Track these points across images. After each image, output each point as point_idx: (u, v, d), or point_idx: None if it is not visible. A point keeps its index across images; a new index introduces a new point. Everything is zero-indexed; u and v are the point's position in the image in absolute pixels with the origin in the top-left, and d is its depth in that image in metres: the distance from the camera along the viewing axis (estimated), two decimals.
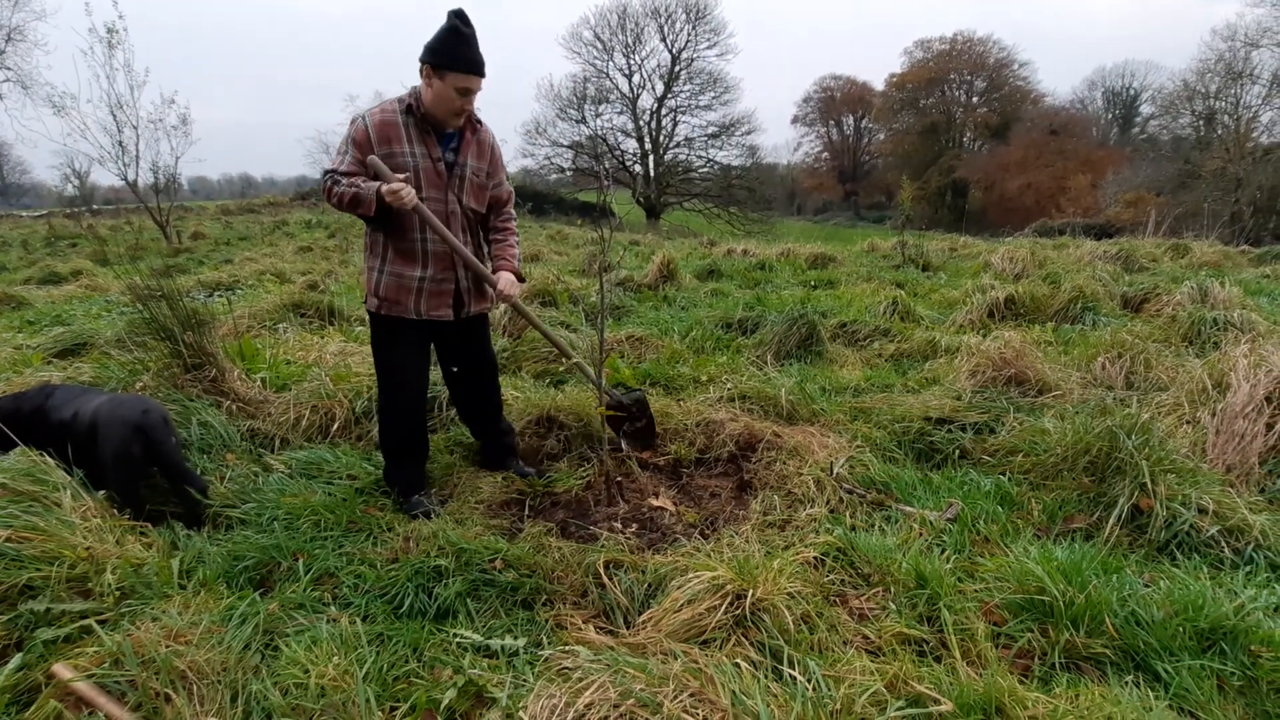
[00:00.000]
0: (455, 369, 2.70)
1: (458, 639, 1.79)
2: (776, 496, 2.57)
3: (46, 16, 17.62)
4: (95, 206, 29.55)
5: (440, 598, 1.93)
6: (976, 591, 1.99)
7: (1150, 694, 1.59)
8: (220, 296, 6.62)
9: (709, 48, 36.24)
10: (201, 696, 1.49)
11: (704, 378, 3.93)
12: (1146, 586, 1.98)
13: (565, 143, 36.75)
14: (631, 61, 36.77)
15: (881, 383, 3.85)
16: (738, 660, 1.59)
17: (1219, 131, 28.10)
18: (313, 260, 11.71)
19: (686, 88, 36.89)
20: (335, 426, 3.09)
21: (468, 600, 1.95)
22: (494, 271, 2.52)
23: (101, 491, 2.24)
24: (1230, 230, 17.79)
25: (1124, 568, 2.06)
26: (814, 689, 1.53)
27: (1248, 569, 2.09)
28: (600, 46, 36.73)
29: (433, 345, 2.65)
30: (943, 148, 46.68)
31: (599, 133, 36.91)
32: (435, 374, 2.92)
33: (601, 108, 37.28)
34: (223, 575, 2.01)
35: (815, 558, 2.11)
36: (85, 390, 2.57)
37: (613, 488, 2.65)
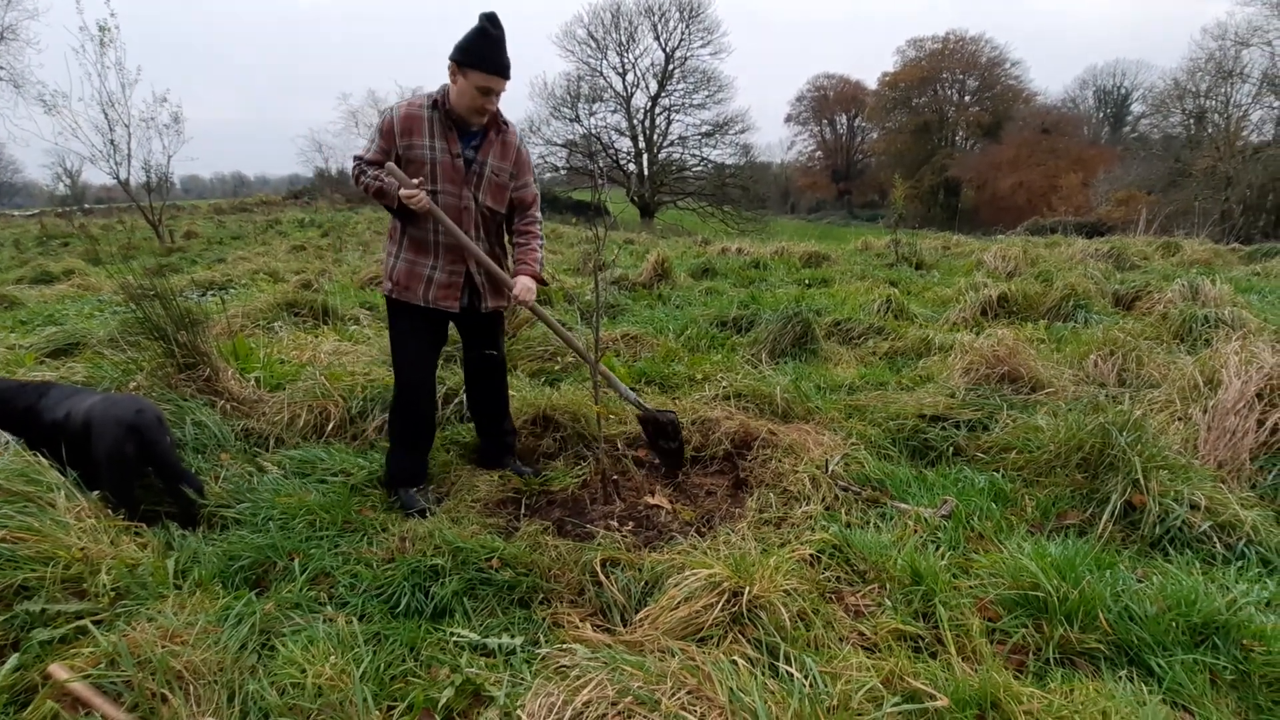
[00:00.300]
0: (490, 352, 2.76)
1: (455, 638, 1.79)
2: (772, 494, 2.58)
3: (39, 15, 17.48)
4: (87, 206, 29.31)
5: (437, 597, 1.93)
6: (971, 588, 2.01)
7: (1144, 688, 1.61)
8: (213, 296, 6.58)
9: (702, 46, 36.23)
10: (198, 697, 1.48)
11: (699, 376, 3.93)
12: (1140, 582, 2.00)
13: (559, 141, 36.73)
14: (625, 60, 36.73)
15: (876, 380, 3.87)
16: (735, 657, 1.59)
17: (1209, 130, 28.30)
18: (306, 259, 11.66)
19: (680, 86, 36.87)
20: (330, 426, 3.08)
21: (464, 599, 1.95)
22: (515, 275, 2.56)
23: (96, 492, 2.22)
24: (1220, 228, 17.92)
25: (1117, 563, 2.08)
26: (811, 685, 1.54)
27: (1239, 564, 2.11)
28: (594, 45, 36.68)
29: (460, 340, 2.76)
30: (935, 146, 46.84)
31: (593, 131, 36.89)
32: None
33: (595, 106, 37.24)
34: (218, 575, 2.01)
35: (811, 555, 2.12)
36: (78, 390, 2.55)
37: (609, 486, 2.66)
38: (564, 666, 1.56)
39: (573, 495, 2.68)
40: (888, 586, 2.02)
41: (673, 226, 28.60)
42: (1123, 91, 45.16)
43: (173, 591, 1.88)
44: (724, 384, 3.58)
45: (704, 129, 36.88)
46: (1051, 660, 1.74)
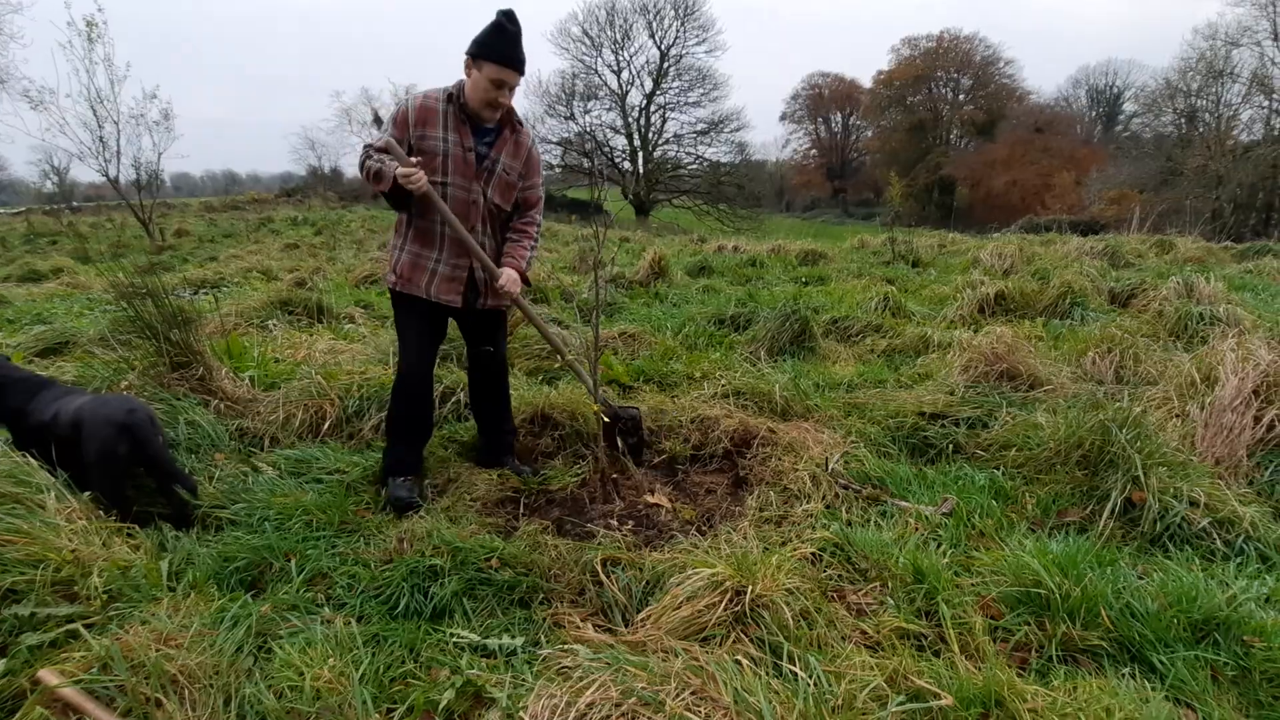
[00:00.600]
0: (487, 349, 2.75)
1: (455, 639, 1.77)
2: (772, 492, 2.56)
3: (23, 10, 17.28)
4: (75, 203, 29.06)
5: (436, 597, 1.91)
6: (973, 585, 2.00)
7: (1147, 685, 1.60)
8: (206, 294, 6.52)
9: (698, 44, 36.25)
10: (193, 701, 1.46)
11: (698, 374, 3.92)
12: (1140, 579, 2.00)
13: (554, 139, 36.65)
14: (620, 58, 36.69)
15: (874, 378, 3.86)
16: (738, 657, 1.58)
17: (1200, 129, 28.52)
18: (300, 258, 11.58)
19: (675, 84, 36.90)
20: (326, 425, 3.05)
21: (464, 599, 1.93)
22: (500, 267, 2.54)
23: (87, 493, 2.19)
24: (1211, 227, 18.06)
25: (1118, 560, 2.08)
26: (815, 685, 1.53)
27: (1238, 560, 2.12)
28: (589, 43, 36.62)
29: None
30: (930, 145, 46.98)
31: (588, 129, 36.83)
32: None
33: (590, 104, 37.22)
34: (213, 577, 1.98)
35: (812, 553, 2.11)
36: (68, 390, 2.51)
37: (608, 485, 2.64)
38: (566, 668, 1.54)
39: (572, 494, 2.66)
40: (889, 585, 2.01)
41: (668, 225, 28.60)
42: (1115, 91, 45.48)
43: (166, 594, 1.85)
44: (723, 382, 3.57)
45: (699, 127, 36.94)
46: (1054, 658, 1.74)
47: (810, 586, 1.91)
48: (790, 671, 1.57)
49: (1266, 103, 27.06)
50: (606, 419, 2.74)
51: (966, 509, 2.41)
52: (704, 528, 2.44)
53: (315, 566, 2.04)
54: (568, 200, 32.05)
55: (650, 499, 2.61)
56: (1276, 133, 26.50)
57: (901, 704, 1.49)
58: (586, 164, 35.00)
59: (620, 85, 37.05)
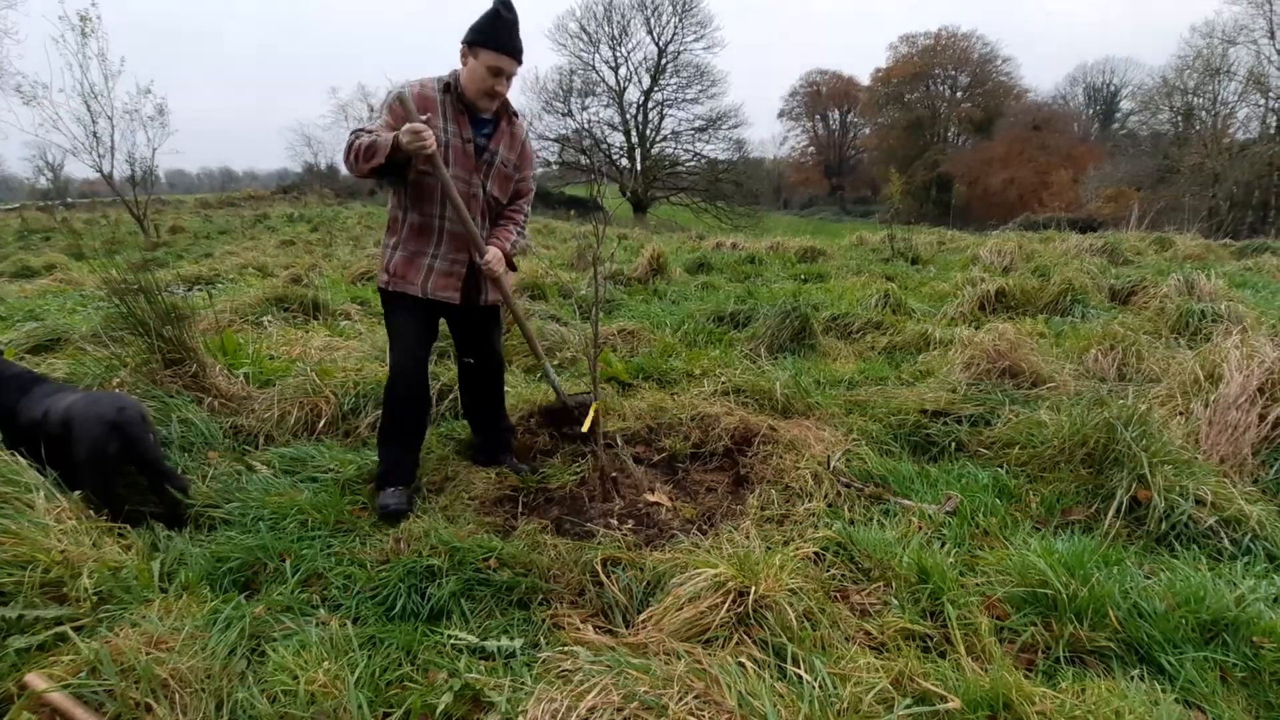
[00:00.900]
0: (467, 360, 2.70)
1: (452, 641, 1.73)
2: (774, 491, 2.54)
3: (16, 4, 17.15)
4: (70, 199, 28.86)
5: (434, 598, 1.88)
6: (978, 585, 1.97)
7: (1156, 687, 1.58)
8: (200, 291, 6.46)
9: (695, 40, 36.15)
10: (184, 706, 1.42)
11: (697, 371, 3.89)
12: (1147, 578, 1.97)
13: (551, 136, 36.54)
14: (618, 54, 36.59)
15: (875, 376, 3.83)
16: (742, 659, 1.55)
17: (1197, 127, 28.56)
18: (295, 254, 11.51)
19: (673, 81, 36.81)
20: (322, 423, 3.01)
21: (462, 600, 1.89)
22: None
23: (77, 492, 2.15)
24: (1208, 224, 18.08)
25: (1124, 560, 2.05)
26: (820, 688, 1.50)
27: (1246, 559, 2.09)
28: (586, 39, 36.51)
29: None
30: (928, 142, 47.00)
31: (585, 126, 36.73)
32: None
33: (588, 101, 37.12)
34: (206, 578, 1.94)
35: (815, 553, 2.08)
36: (60, 387, 2.47)
37: (608, 483, 2.60)
38: (566, 671, 1.51)
39: (571, 493, 2.63)
40: (894, 585, 1.98)
41: (666, 222, 28.56)
42: (1112, 88, 45.53)
43: (158, 595, 1.81)
44: (723, 379, 3.53)
45: (697, 124, 36.88)
46: (1062, 659, 1.71)
47: (813, 587, 1.89)
48: (795, 674, 1.54)
49: (1263, 101, 27.16)
50: (549, 409, 2.75)
51: (970, 507, 2.39)
52: (705, 526, 2.41)
53: (310, 567, 2.00)
54: (566, 197, 31.98)
55: (650, 497, 2.58)
56: (1273, 131, 26.58)
57: (908, 707, 1.46)
58: (584, 161, 34.91)
59: (618, 82, 36.99)
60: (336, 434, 3.01)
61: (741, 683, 1.45)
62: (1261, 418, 2.69)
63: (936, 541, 2.21)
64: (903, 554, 2.07)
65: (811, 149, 58.25)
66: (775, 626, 1.69)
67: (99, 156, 16.99)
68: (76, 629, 1.65)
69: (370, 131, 2.23)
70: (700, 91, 36.50)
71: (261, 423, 2.93)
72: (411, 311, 2.46)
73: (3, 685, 1.45)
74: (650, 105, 37.11)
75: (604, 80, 37.05)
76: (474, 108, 2.35)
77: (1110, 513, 2.28)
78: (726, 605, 1.71)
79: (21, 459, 2.11)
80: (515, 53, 2.29)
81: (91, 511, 2.09)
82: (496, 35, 2.25)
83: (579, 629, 1.78)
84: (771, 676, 1.52)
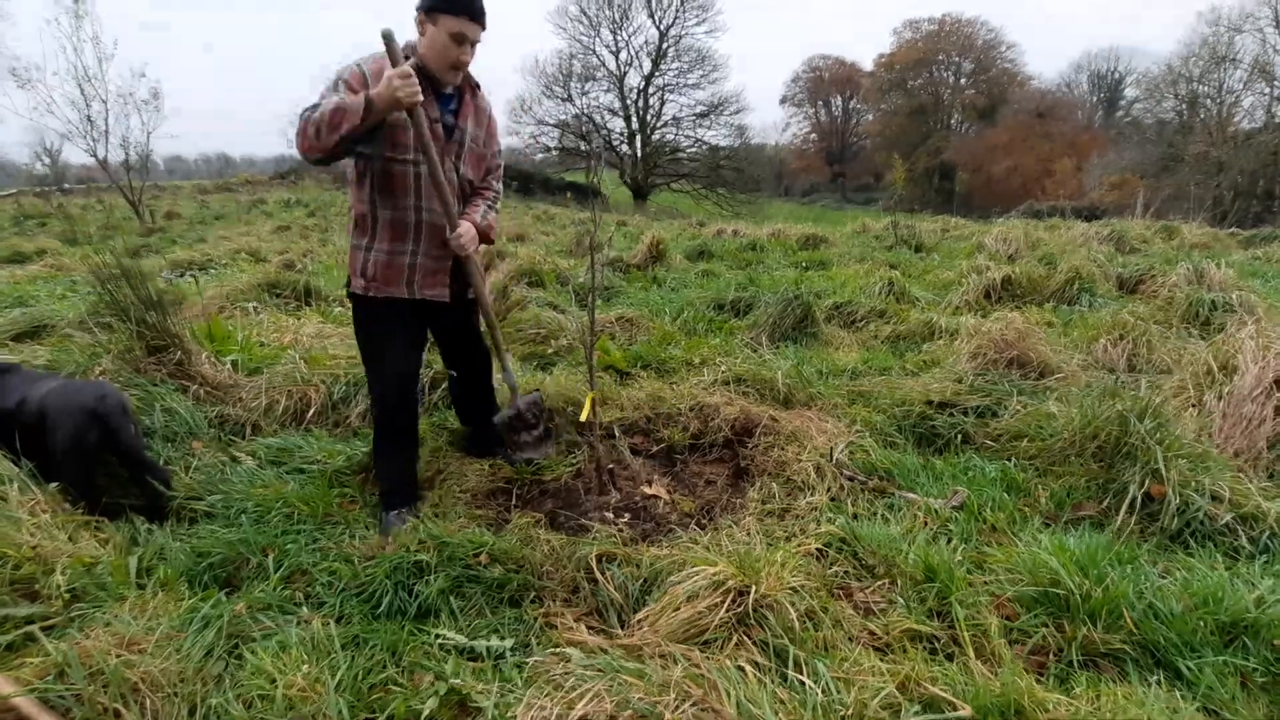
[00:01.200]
0: (454, 356, 2.54)
1: (440, 640, 1.67)
2: (775, 484, 2.46)
3: None
4: (67, 185, 28.60)
5: (421, 596, 1.80)
6: (987, 584, 1.91)
7: (1176, 694, 1.51)
8: (192, 276, 6.35)
9: (697, 24, 35.71)
10: (155, 711, 1.35)
11: (697, 360, 3.80)
12: (1162, 578, 1.90)
13: (551, 121, 36.20)
14: (619, 38, 36.17)
15: (879, 365, 3.75)
16: (742, 663, 1.48)
17: (1201, 115, 28.27)
18: (290, 239, 11.38)
19: (674, 65, 36.41)
20: (311, 412, 2.93)
21: (451, 598, 1.82)
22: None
23: (54, 484, 2.07)
24: (1213, 214, 17.93)
25: (1138, 558, 1.98)
26: (823, 693, 1.43)
27: (1264, 558, 2.02)
28: (587, 22, 36.06)
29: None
30: (930, 129, 46.59)
31: (585, 111, 36.37)
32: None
33: (588, 85, 36.75)
34: (185, 574, 1.87)
35: (817, 549, 2.01)
36: (38, 376, 2.38)
37: (604, 475, 2.53)
38: (557, 676, 1.44)
39: (566, 485, 2.55)
40: (899, 582, 1.91)
41: (666, 209, 28.37)
42: (1117, 76, 45.03)
43: (134, 592, 1.74)
44: (723, 368, 3.45)
45: (698, 109, 36.54)
46: (1075, 663, 1.64)
47: (816, 585, 1.82)
48: (797, 680, 1.47)
49: (1268, 89, 26.85)
50: (511, 415, 2.55)
51: (977, 502, 2.31)
52: (704, 521, 2.34)
53: (294, 562, 1.93)
54: (565, 184, 31.74)
55: (648, 490, 2.51)
56: (1278, 120, 26.29)
57: (916, 715, 1.39)
58: (584, 146, 34.58)
59: (618, 66, 36.58)
60: (326, 424, 2.93)
61: (741, 689, 1.38)
62: (1278, 410, 2.61)
63: (943, 537, 2.14)
64: (908, 550, 2.00)
65: (813, 135, 57.76)
66: (776, 627, 1.62)
67: (93, 141, 16.82)
68: (48, 628, 1.58)
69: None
70: (702, 76, 36.15)
71: (249, 412, 2.85)
72: (401, 320, 2.23)
73: None
74: (651, 90, 36.76)
75: (604, 64, 36.67)
76: (437, 81, 2.10)
77: (1123, 508, 2.21)
78: (726, 605, 1.64)
79: None
80: (479, 15, 2.04)
81: (68, 504, 2.01)
82: None
83: (572, 629, 1.71)
84: (772, 681, 1.45)
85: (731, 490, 2.57)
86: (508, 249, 6.62)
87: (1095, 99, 46.83)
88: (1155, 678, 1.57)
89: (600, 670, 1.43)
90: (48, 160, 25.41)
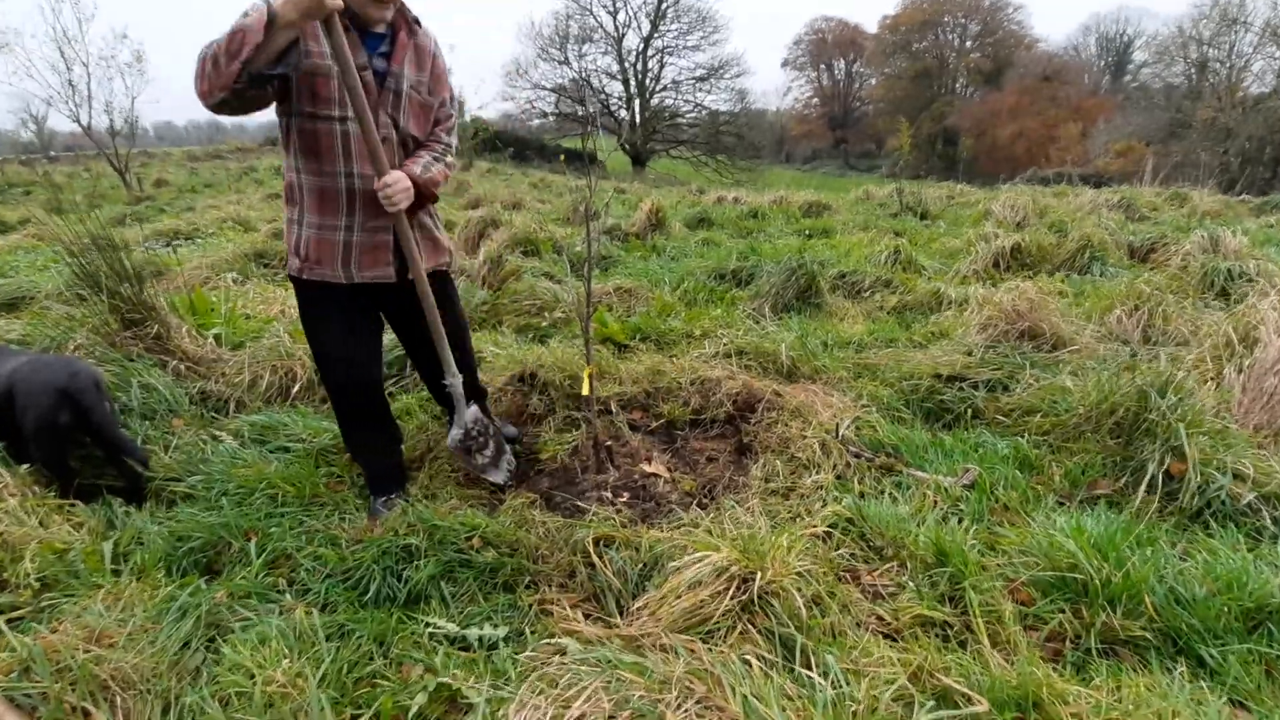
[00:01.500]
0: (414, 344, 2.22)
1: (430, 629, 1.59)
2: (779, 461, 2.37)
3: None
4: (53, 153, 27.96)
5: (411, 582, 1.73)
6: (1000, 567, 1.83)
7: (1203, 685, 1.44)
8: (179, 245, 6.18)
9: None
10: (126, 710, 1.28)
11: (698, 332, 3.69)
12: (1183, 560, 1.82)
13: (548, 85, 35.33)
14: None
15: (886, 337, 3.64)
16: (747, 655, 1.40)
17: (1210, 80, 27.63)
18: (280, 207, 11.11)
19: (674, 27, 35.34)
20: (297, 388, 2.83)
21: (442, 584, 1.75)
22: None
23: (25, 466, 1.98)
24: (1219, 181, 17.60)
25: (1158, 539, 1.90)
26: (833, 687, 1.36)
27: None
28: None
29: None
30: (935, 94, 45.57)
31: (583, 75, 35.48)
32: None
33: (585, 48, 35.75)
34: (163, 560, 1.79)
35: (824, 531, 1.93)
36: (8, 352, 2.27)
37: (602, 453, 2.43)
38: (553, 672, 1.36)
39: (563, 464, 2.46)
40: (908, 565, 1.84)
41: (665, 176, 27.87)
42: (1125, 39, 43.88)
43: (109, 580, 1.66)
44: (724, 340, 3.34)
45: (698, 73, 35.63)
46: (1093, 650, 1.57)
47: (822, 568, 1.74)
48: (805, 675, 1.39)
49: (1278, 54, 26.14)
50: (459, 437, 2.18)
51: (989, 480, 2.23)
52: (705, 500, 2.25)
53: (278, 547, 1.85)
54: (561, 149, 31.11)
55: (647, 468, 2.42)
56: None
57: (930, 711, 1.32)
58: (580, 111, 33.82)
59: (616, 27, 35.49)
60: (312, 400, 2.83)
61: (747, 684, 1.31)
62: None
63: (954, 517, 2.06)
64: (918, 531, 1.92)
65: (815, 100, 56.53)
66: (782, 615, 1.55)
67: (75, 106, 16.34)
68: (15, 620, 1.50)
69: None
70: (702, 38, 35.12)
71: (231, 388, 2.75)
72: (339, 305, 1.94)
73: None
74: (650, 53, 35.76)
75: (602, 26, 35.59)
76: (362, 21, 1.74)
77: (1141, 487, 2.12)
78: (730, 593, 1.56)
79: None
80: None
81: (37, 488, 1.92)
82: None
83: (568, 616, 1.64)
84: (780, 675, 1.38)
85: (734, 467, 2.48)
86: (502, 217, 6.42)
87: (1103, 62, 45.74)
88: (1178, 667, 1.51)
89: (597, 664, 1.35)
90: (34, 127, 24.76)
